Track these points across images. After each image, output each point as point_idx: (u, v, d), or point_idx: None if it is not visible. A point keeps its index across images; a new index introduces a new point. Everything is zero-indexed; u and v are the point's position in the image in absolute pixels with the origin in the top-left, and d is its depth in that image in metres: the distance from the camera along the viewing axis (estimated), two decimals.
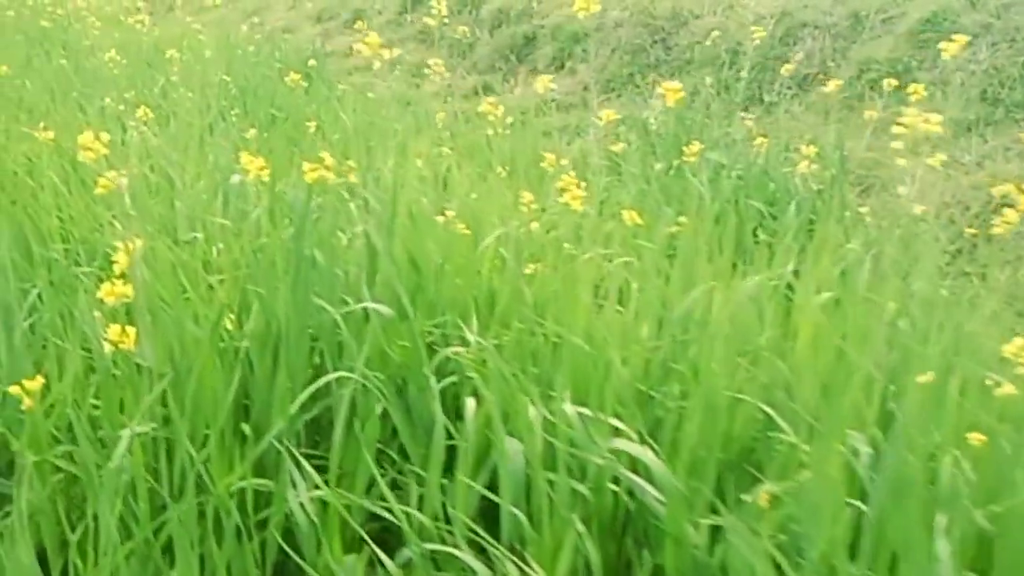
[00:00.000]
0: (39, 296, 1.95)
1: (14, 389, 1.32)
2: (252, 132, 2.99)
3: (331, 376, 1.42)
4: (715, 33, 5.67)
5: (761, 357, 1.58)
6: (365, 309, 1.57)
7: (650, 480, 1.35)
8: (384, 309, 1.53)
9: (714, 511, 1.33)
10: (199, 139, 3.36)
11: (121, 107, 3.96)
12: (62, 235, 2.32)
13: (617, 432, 1.40)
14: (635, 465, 1.39)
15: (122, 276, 1.54)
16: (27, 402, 1.31)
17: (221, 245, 2.01)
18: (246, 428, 1.51)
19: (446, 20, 2.77)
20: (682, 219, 2.91)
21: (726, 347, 1.58)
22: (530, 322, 1.66)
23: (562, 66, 6.82)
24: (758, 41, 4.09)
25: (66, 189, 2.56)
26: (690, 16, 6.19)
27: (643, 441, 1.41)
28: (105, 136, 1.63)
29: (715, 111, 4.28)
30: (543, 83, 3.75)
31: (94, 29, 7.21)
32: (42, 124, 3.80)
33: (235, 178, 2.16)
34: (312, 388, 1.40)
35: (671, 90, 2.43)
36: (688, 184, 3.25)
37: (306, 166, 1.65)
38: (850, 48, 5.46)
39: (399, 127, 4.93)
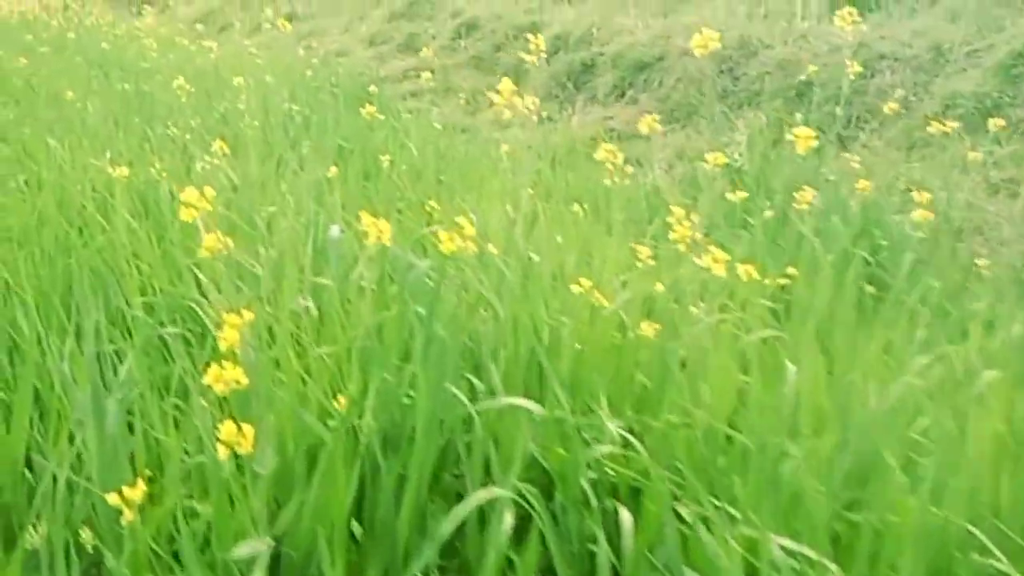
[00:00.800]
0: (116, 356, 1.76)
1: (112, 498, 1.11)
2: (333, 170, 2.79)
3: (484, 495, 1.19)
4: (811, 68, 5.42)
5: (960, 468, 1.33)
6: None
7: None
8: (534, 406, 1.30)
9: None
10: (274, 173, 3.18)
11: (187, 135, 3.80)
12: (140, 285, 2.13)
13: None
14: None
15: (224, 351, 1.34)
16: (127, 515, 1.10)
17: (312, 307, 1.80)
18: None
19: (544, 54, 2.54)
20: (792, 271, 2.68)
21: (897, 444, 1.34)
22: (684, 411, 1.42)
23: (622, 95, 6.60)
24: (852, 76, 3.83)
25: (142, 230, 2.38)
26: (760, 45, 5.94)
27: None
28: (210, 191, 1.43)
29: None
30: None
31: (151, 51, 7.11)
32: (108, 153, 3.66)
33: (334, 230, 1.95)
34: (462, 512, 1.17)
35: (803, 136, 2.19)
36: (791, 231, 3.00)
37: (442, 234, 1.44)
38: (932, 82, 5.19)
39: (463, 151, 4.75)
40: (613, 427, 1.37)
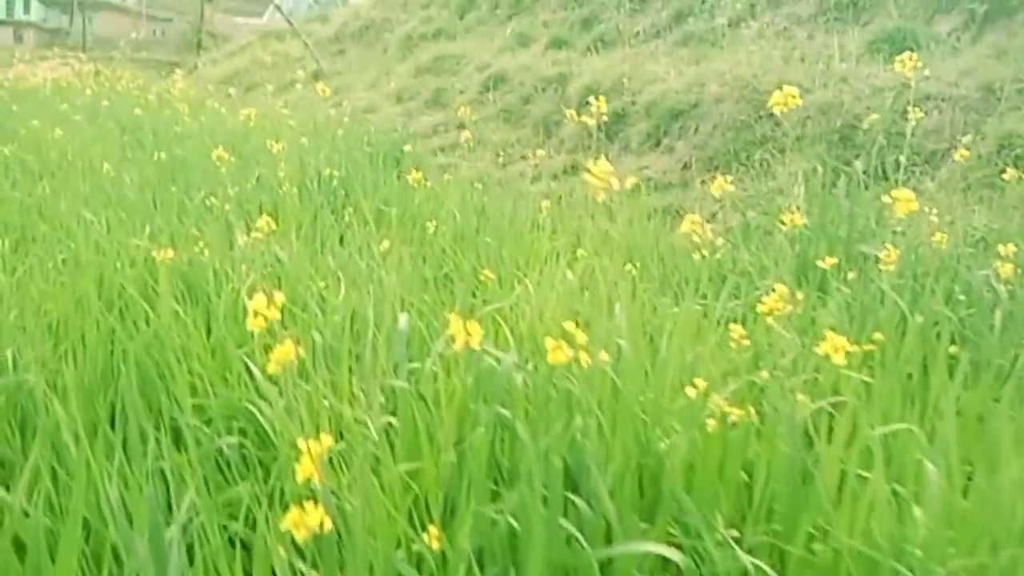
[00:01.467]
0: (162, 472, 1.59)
1: None
2: (385, 244, 2.63)
3: None
4: (873, 116, 5.25)
5: None
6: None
7: None
8: (675, 555, 1.10)
9: None
10: (319, 245, 3.02)
11: (226, 205, 3.67)
12: (191, 383, 1.96)
13: None
14: None
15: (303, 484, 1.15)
16: None
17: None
18: None
19: (606, 117, 2.37)
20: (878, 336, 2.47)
21: None
22: (825, 531, 1.22)
23: (657, 143, 6.45)
24: (914, 122, 3.64)
25: (189, 318, 2.21)
26: (799, 89, 5.76)
27: None
28: (279, 296, 1.26)
29: (863, 197, 3.82)
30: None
31: (184, 115, 7.08)
32: (147, 228, 3.53)
33: (402, 321, 1.78)
34: None
35: (903, 199, 1.99)
36: (866, 290, 2.79)
37: (549, 342, 1.25)
38: (984, 122, 4.99)
39: (503, 209, 4.59)
40: (748, 560, 1.16)
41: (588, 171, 1.39)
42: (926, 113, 5.22)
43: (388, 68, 10.25)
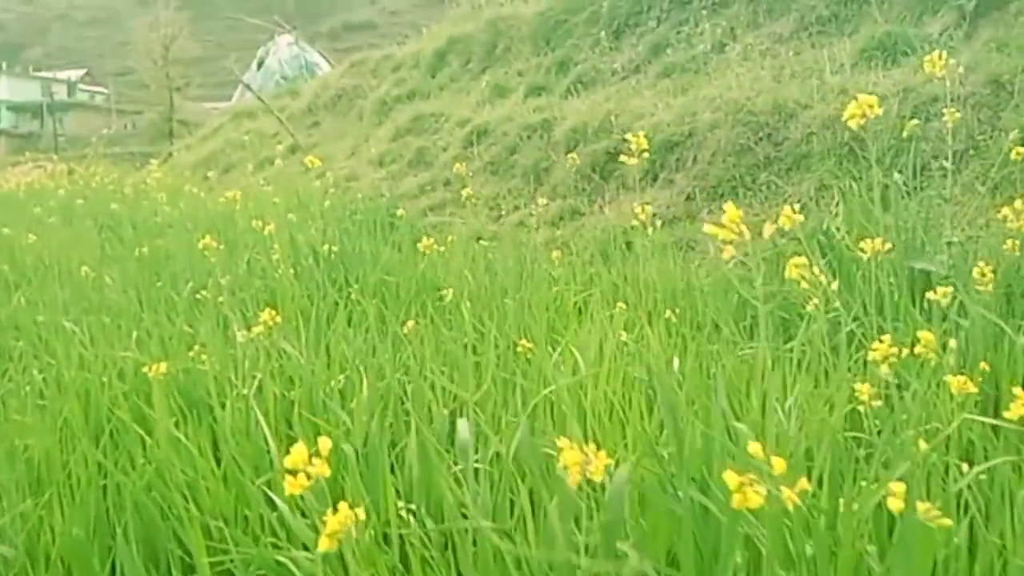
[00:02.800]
0: None
1: None
2: (411, 325, 2.28)
3: None
4: (912, 122, 4.96)
5: None
6: None
7: None
8: None
9: None
10: (326, 330, 2.67)
11: (219, 297, 3.32)
12: (203, 525, 1.59)
13: None
14: None
15: None
16: None
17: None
18: None
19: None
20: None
21: None
22: None
23: (655, 178, 6.17)
24: (950, 123, 3.35)
25: (192, 443, 1.85)
26: (796, 107, 5.52)
27: None
28: (325, 443, 0.90)
29: (910, 210, 3.52)
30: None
31: (164, 205, 6.74)
32: (134, 334, 3.17)
33: (463, 430, 1.42)
34: None
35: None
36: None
37: (730, 478, 0.90)
38: (998, 118, 4.73)
39: (509, 265, 4.26)
40: None
41: (711, 224, 1.06)
42: (934, 116, 4.97)
43: (366, 134, 10.01)
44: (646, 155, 6.33)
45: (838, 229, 3.44)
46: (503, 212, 7.12)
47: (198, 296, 3.35)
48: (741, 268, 4.45)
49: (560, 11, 9.22)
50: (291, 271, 3.58)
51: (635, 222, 6.28)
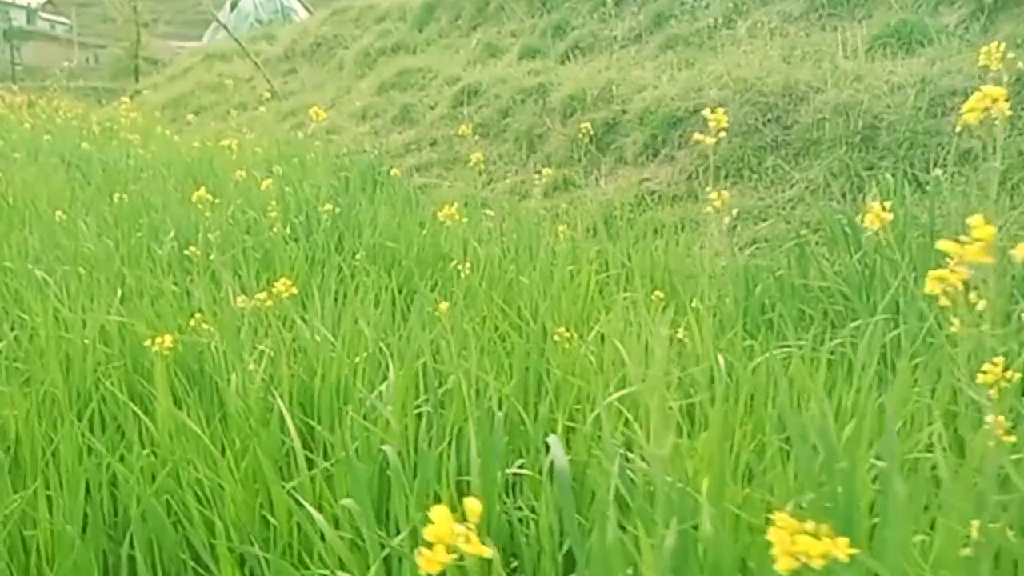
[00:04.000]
0: None
1: None
2: (445, 306, 2.04)
3: None
4: (875, 112, 4.81)
5: None
6: None
7: None
8: None
9: None
10: (342, 304, 2.42)
11: (211, 254, 3.03)
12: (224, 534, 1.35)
13: None
14: None
15: None
16: None
17: None
18: None
19: (725, 135, 1.79)
20: None
21: None
22: None
23: (656, 153, 5.95)
24: (1000, 120, 3.17)
25: (205, 435, 1.60)
26: (808, 90, 5.33)
27: None
28: (474, 507, 0.68)
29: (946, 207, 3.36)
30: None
31: (138, 148, 6.34)
32: (118, 291, 2.88)
33: (558, 455, 1.20)
34: None
35: None
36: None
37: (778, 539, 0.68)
38: (1019, 116, 4.59)
39: (518, 237, 4.02)
40: None
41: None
42: (951, 110, 4.82)
43: (347, 86, 9.61)
44: (644, 131, 6.10)
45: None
46: (493, 177, 6.86)
47: (186, 253, 3.06)
48: (757, 255, 4.28)
49: None
50: (287, 231, 3.30)
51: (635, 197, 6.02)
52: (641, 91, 6.29)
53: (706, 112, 1.79)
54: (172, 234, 3.74)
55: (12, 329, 2.66)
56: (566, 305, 2.43)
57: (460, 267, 2.79)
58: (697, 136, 1.78)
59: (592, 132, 6.20)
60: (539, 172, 5.77)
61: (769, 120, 5.42)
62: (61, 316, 2.63)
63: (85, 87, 19.02)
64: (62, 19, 40.61)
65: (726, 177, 5.40)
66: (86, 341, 2.34)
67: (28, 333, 2.55)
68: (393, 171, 5.17)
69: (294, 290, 2.03)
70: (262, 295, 2.25)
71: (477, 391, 1.79)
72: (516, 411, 1.64)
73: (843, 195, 4.83)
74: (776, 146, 5.30)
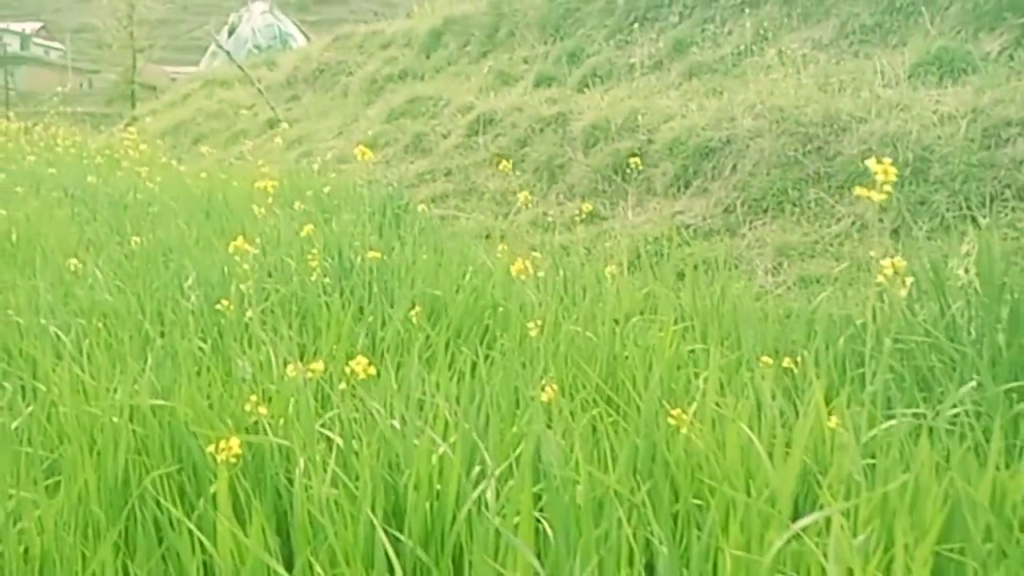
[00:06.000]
0: None
1: None
2: (550, 393, 1.70)
3: None
4: (924, 143, 4.53)
5: None
6: None
7: None
8: None
9: None
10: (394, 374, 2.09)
11: (247, 314, 2.69)
12: None
13: None
14: None
15: None
16: None
17: None
18: None
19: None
20: None
21: None
22: None
23: (687, 185, 5.66)
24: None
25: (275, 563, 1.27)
26: (851, 120, 5.06)
27: None
28: None
29: None
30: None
31: (147, 182, 5.98)
32: (148, 358, 2.53)
33: None
34: None
35: None
36: None
37: None
38: None
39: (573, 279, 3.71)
40: None
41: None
42: (1007, 142, 4.56)
43: (354, 113, 9.31)
44: (675, 162, 5.80)
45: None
46: (511, 209, 6.55)
47: (217, 307, 2.73)
48: (811, 297, 3.96)
49: None
50: (325, 280, 2.97)
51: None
52: (668, 120, 6.01)
53: (870, 162, 1.48)
54: (191, 280, 3.40)
55: (25, 400, 2.31)
56: (662, 373, 2.10)
57: (528, 325, 2.47)
58: (859, 191, 1.47)
59: (624, 163, 5.87)
60: (580, 204, 5.46)
61: (809, 151, 5.14)
62: (82, 383, 2.29)
63: (80, 113, 18.67)
64: (56, 45, 40.25)
65: (766, 211, 5.12)
66: (115, 420, 1.99)
67: (45, 407, 2.20)
68: (420, 207, 4.84)
69: (371, 370, 1.69)
70: (315, 366, 1.92)
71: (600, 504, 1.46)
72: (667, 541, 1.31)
73: (895, 231, 4.55)
74: (818, 178, 5.02)
